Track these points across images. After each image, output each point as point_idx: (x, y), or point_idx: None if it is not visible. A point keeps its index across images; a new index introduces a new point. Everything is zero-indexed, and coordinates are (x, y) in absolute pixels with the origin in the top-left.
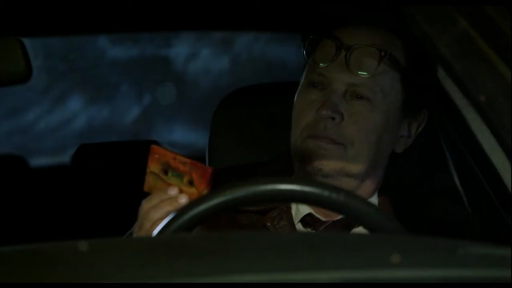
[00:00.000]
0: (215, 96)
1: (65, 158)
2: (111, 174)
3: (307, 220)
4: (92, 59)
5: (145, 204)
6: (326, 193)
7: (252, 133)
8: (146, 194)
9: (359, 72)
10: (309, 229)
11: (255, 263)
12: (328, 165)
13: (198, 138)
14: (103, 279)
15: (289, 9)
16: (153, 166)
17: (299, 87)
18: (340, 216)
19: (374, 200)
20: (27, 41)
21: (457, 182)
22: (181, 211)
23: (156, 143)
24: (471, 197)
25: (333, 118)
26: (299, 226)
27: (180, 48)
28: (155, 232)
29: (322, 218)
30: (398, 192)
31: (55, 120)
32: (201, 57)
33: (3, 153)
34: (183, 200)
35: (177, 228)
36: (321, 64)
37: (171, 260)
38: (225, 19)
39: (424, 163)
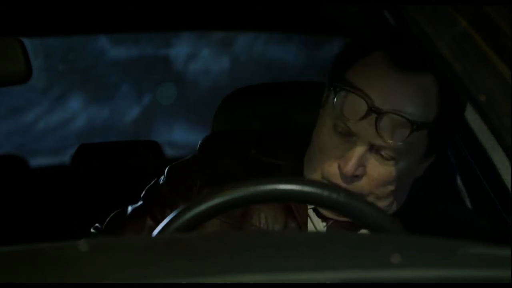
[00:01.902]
0: (215, 96)
1: (65, 158)
2: (111, 174)
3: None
4: (92, 59)
5: None
6: (326, 193)
7: None
8: None
9: (388, 139)
10: (319, 220)
11: (255, 263)
12: None
13: (198, 138)
14: (103, 279)
15: (289, 9)
16: None
17: (323, 118)
18: None
19: None
20: (27, 41)
21: (458, 182)
22: (181, 211)
23: (156, 143)
24: (472, 197)
25: (355, 175)
26: (310, 212)
27: (180, 48)
28: (155, 232)
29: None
30: None
31: (55, 120)
32: (201, 57)
33: (3, 153)
34: None
35: (177, 228)
36: (350, 120)
37: (171, 260)
38: (225, 19)
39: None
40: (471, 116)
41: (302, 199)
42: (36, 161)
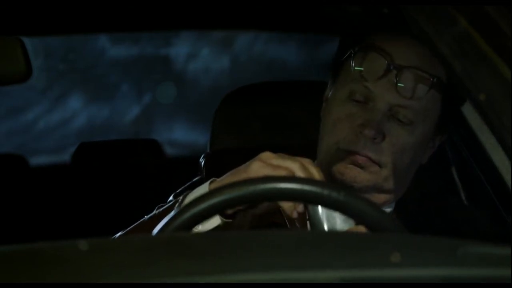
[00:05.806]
0: (215, 95)
1: (65, 157)
2: (111, 173)
3: None
4: (92, 59)
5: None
6: (326, 192)
7: (253, 132)
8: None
9: (408, 96)
10: None
11: (255, 263)
12: (361, 181)
13: (197, 137)
14: (103, 279)
15: (289, 9)
16: None
17: (335, 94)
18: None
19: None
20: (27, 41)
21: (458, 182)
22: (182, 211)
23: (156, 142)
24: (472, 197)
25: (374, 138)
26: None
27: (180, 48)
28: (155, 231)
29: None
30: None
31: (55, 119)
32: (201, 57)
33: (3, 152)
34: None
35: (177, 227)
36: (369, 79)
37: (171, 260)
38: (225, 19)
39: (425, 163)
40: (471, 116)
41: (301, 198)
42: (36, 160)
